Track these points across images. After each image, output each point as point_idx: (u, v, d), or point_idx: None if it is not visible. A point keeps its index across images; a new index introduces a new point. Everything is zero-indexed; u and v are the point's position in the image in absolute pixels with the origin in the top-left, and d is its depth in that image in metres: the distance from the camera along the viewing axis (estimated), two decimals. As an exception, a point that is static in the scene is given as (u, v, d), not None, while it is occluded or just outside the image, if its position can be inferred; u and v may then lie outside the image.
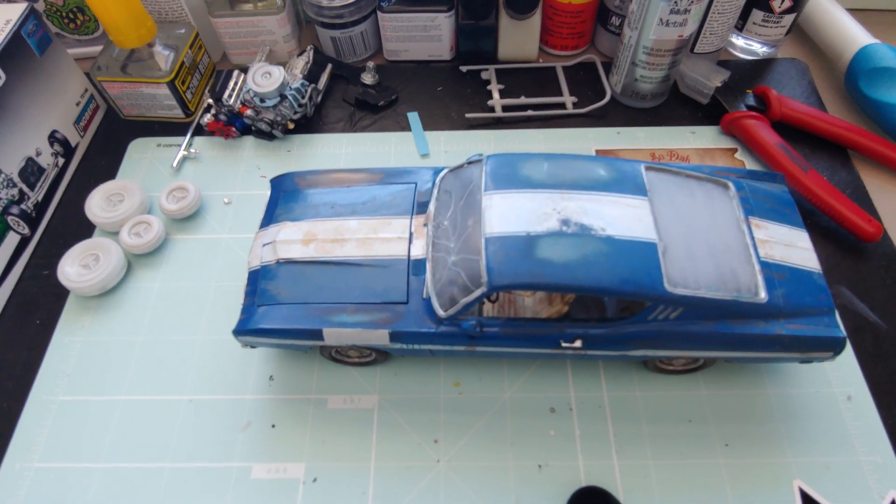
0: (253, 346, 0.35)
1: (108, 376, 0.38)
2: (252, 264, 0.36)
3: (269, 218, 0.37)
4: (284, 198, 0.38)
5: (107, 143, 0.50)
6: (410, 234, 0.34)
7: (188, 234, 0.44)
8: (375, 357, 0.36)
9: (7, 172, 0.42)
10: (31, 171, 0.44)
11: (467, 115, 0.49)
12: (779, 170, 0.44)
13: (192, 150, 0.48)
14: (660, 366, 0.36)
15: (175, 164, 0.47)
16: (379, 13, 0.50)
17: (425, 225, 0.35)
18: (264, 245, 0.36)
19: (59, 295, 0.42)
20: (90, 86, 0.50)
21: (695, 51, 0.51)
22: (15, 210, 0.43)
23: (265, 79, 0.46)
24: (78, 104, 0.49)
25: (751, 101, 0.48)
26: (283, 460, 0.34)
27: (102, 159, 0.49)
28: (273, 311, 0.33)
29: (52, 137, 0.46)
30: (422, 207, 0.36)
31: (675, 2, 0.41)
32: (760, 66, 0.53)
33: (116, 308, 0.41)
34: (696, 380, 0.37)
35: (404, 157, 0.48)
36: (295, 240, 0.35)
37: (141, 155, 0.49)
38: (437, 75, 0.53)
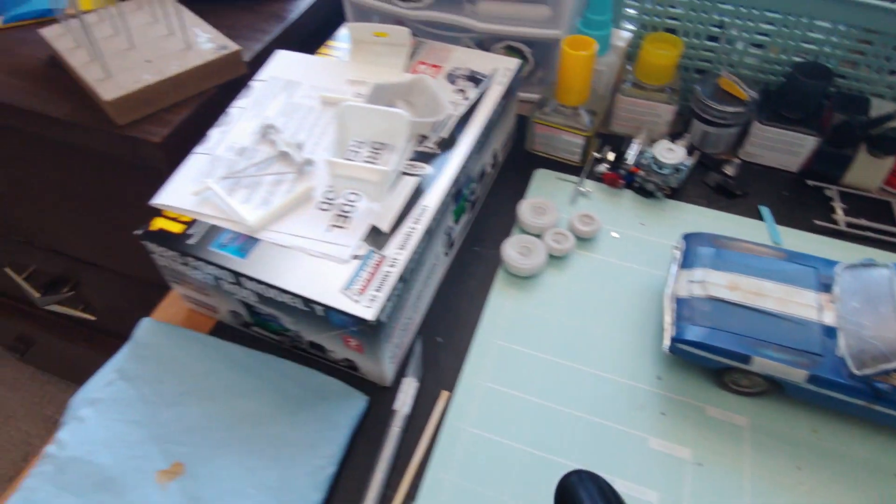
0: (675, 353, 0.46)
1: (533, 336, 0.51)
2: (679, 293, 0.47)
3: (690, 262, 0.49)
4: (702, 250, 0.50)
5: (514, 166, 0.65)
6: (819, 305, 0.45)
7: (588, 252, 0.57)
8: (764, 390, 0.46)
9: (473, 175, 0.57)
10: (481, 175, 0.59)
11: (815, 221, 0.59)
12: None
13: (587, 189, 0.62)
14: None
15: (574, 196, 0.61)
16: (756, 123, 0.62)
17: (832, 303, 0.45)
18: (691, 281, 0.47)
19: (489, 267, 0.56)
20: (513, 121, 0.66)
21: None
22: (471, 199, 0.58)
23: (669, 153, 0.59)
24: (506, 134, 0.65)
25: None
26: (673, 441, 0.45)
27: (513, 177, 0.64)
28: (709, 332, 0.44)
29: (493, 154, 0.62)
30: (824, 287, 0.46)
31: None
32: None
33: (535, 289, 0.54)
34: None
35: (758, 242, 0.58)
36: (722, 284, 0.46)
37: (543, 182, 0.63)
38: (782, 181, 0.64)
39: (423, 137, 0.52)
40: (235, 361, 0.49)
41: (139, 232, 0.47)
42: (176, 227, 0.47)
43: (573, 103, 0.60)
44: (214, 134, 0.53)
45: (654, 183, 0.60)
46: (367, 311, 0.41)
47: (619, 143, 0.64)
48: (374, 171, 0.45)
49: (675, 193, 0.62)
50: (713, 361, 0.45)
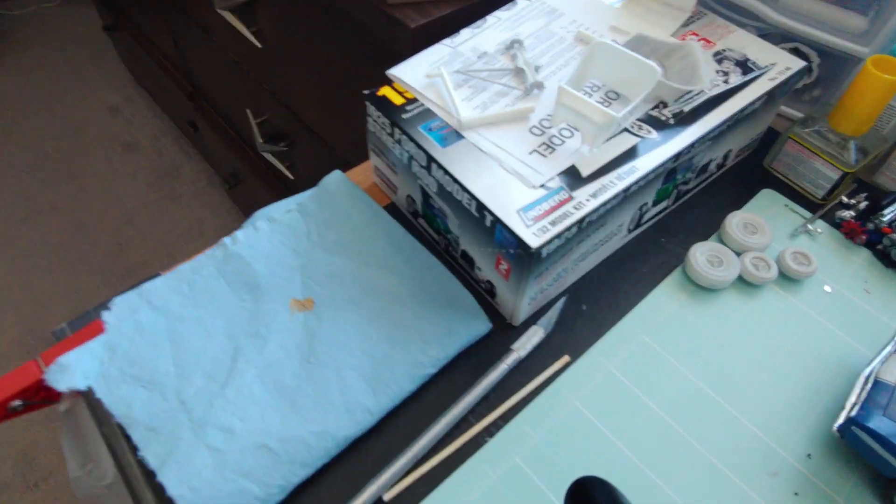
0: (845, 437, 0.39)
1: (685, 348, 0.46)
2: (883, 377, 0.39)
3: (914, 350, 0.40)
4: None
5: (739, 176, 0.58)
6: None
7: (786, 293, 0.50)
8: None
9: (696, 164, 0.52)
10: (704, 168, 0.54)
11: None
12: None
13: (816, 229, 0.54)
14: None
15: (797, 232, 0.53)
16: None
17: None
18: (906, 370, 0.39)
19: (667, 261, 0.51)
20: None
21: None
22: (681, 188, 0.53)
23: (942, 229, 0.48)
24: (749, 140, 0.58)
25: None
26: (796, 526, 0.39)
27: (734, 187, 0.57)
28: (899, 429, 0.37)
29: (725, 154, 0.56)
30: None
31: None
32: None
33: (708, 303, 0.49)
34: None
35: None
36: (945, 390, 0.38)
37: (767, 203, 0.56)
38: None
39: (662, 104, 0.49)
40: (394, 239, 0.51)
41: (367, 92, 0.50)
42: (398, 100, 0.49)
43: (847, 132, 0.52)
44: (465, 32, 0.54)
45: (905, 255, 0.50)
46: (533, 238, 0.40)
47: (877, 195, 0.54)
48: (602, 113, 0.43)
49: (924, 278, 0.51)
50: (891, 468, 0.37)
